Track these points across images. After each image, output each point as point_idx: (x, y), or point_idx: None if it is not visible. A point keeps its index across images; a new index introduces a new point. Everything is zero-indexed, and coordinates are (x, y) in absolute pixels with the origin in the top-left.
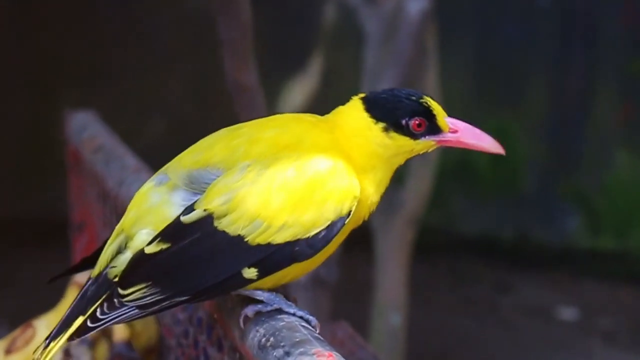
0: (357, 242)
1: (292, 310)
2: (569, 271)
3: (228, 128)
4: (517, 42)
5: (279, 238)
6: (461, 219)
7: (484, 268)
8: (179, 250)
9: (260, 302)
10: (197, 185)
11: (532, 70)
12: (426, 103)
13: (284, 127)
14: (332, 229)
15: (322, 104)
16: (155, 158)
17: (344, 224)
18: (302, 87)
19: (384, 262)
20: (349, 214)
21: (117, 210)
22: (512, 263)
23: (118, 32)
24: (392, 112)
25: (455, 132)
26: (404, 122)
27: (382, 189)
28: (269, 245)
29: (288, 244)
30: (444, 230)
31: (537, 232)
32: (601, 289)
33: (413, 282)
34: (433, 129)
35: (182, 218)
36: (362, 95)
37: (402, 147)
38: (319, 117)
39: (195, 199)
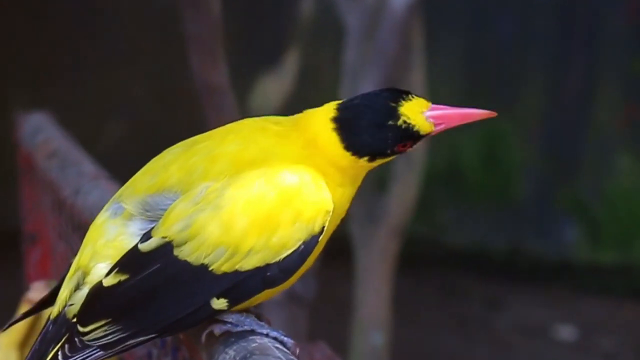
0: (336, 255)
1: (265, 331)
2: (567, 286)
3: (184, 143)
4: (511, 39)
5: (247, 264)
6: (450, 230)
7: (475, 283)
8: (138, 282)
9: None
10: (153, 213)
11: (528, 69)
12: (405, 123)
13: (248, 139)
14: (304, 249)
15: (298, 104)
16: (116, 164)
17: (318, 242)
18: (276, 86)
19: (365, 276)
20: (321, 231)
21: (74, 221)
22: (505, 277)
23: (74, 26)
24: (373, 148)
25: (440, 124)
26: (389, 151)
27: (358, 185)
28: (236, 272)
29: (258, 270)
30: (431, 241)
31: (532, 244)
32: (602, 305)
33: (397, 298)
34: (420, 138)
35: (140, 246)
36: (333, 116)
37: (391, 159)
38: (286, 121)
39: (152, 226)
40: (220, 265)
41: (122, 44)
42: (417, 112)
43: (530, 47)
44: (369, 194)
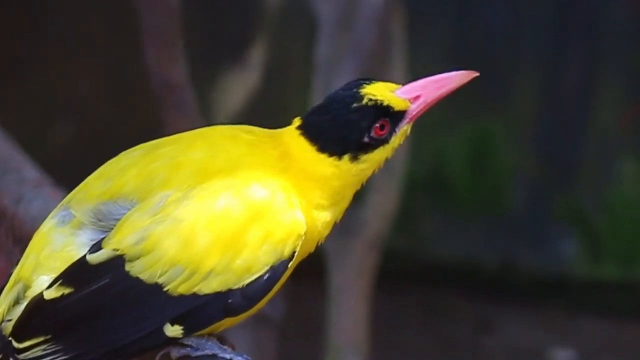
0: (308, 270)
1: (228, 356)
2: (565, 305)
3: (144, 146)
4: (502, 30)
5: (207, 288)
6: (434, 243)
7: (462, 301)
8: (84, 297)
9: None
10: (106, 222)
11: (520, 63)
12: (371, 100)
13: (217, 147)
14: (271, 275)
15: (265, 103)
16: (62, 169)
17: (287, 268)
18: (241, 83)
19: (339, 294)
20: (292, 256)
21: (15, 232)
22: (495, 296)
23: (15, 18)
24: (348, 138)
25: (417, 98)
26: (366, 139)
27: (345, 206)
28: (194, 296)
29: (218, 295)
30: (413, 255)
31: (526, 258)
32: (603, 326)
33: (375, 318)
34: (397, 117)
35: (88, 257)
36: (299, 124)
37: (382, 158)
38: (260, 132)
39: (104, 237)
40: (177, 286)
41: (69, 36)
42: (384, 90)
43: (522, 38)
44: None
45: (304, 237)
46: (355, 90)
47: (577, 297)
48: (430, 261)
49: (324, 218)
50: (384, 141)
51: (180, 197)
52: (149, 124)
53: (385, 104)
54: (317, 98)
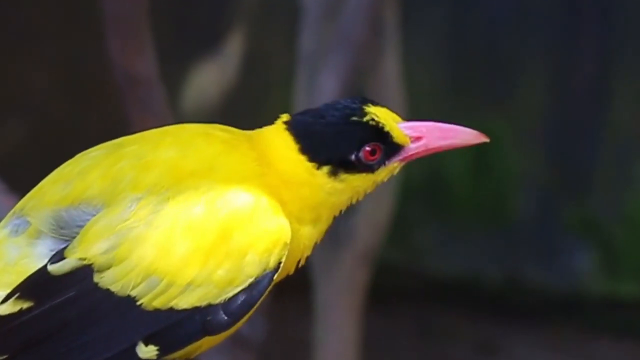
0: (292, 285)
1: None
2: (579, 327)
3: (106, 145)
4: (505, 18)
5: (185, 302)
6: (431, 256)
7: (463, 321)
8: (45, 312)
9: None
10: (69, 230)
11: (527, 55)
12: (373, 120)
13: (189, 145)
14: (256, 288)
15: (243, 99)
16: (13, 172)
17: (272, 281)
18: (216, 77)
19: (327, 312)
20: (277, 267)
21: None
22: (500, 315)
23: None
24: (335, 148)
25: (419, 139)
26: (353, 157)
27: (324, 227)
28: (171, 311)
29: (198, 310)
30: (409, 270)
31: (535, 274)
32: (621, 349)
33: (366, 339)
34: (391, 149)
35: (50, 268)
36: (286, 120)
37: (360, 186)
38: (237, 132)
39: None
40: (152, 299)
41: (21, 22)
42: (389, 117)
43: (529, 27)
44: None
45: (288, 246)
46: (359, 105)
47: (593, 317)
48: (428, 276)
49: (305, 231)
50: (369, 168)
51: (154, 201)
52: (112, 122)
53: (386, 129)
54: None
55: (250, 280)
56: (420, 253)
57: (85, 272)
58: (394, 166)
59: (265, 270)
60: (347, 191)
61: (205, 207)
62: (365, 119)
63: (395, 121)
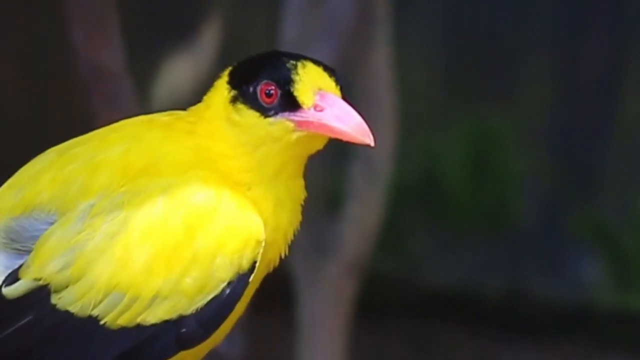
0: (272, 298)
1: None
2: (586, 340)
3: (58, 147)
4: (508, 6)
5: (153, 316)
6: (428, 266)
7: (461, 336)
8: (3, 340)
9: None
10: (22, 242)
11: (530, 47)
12: (292, 65)
13: (134, 138)
14: (231, 293)
15: None
16: None
17: (248, 283)
18: (189, 69)
19: (311, 327)
20: (252, 268)
21: None
22: (502, 330)
23: None
24: (244, 76)
25: (321, 110)
26: (251, 88)
27: (289, 207)
28: (139, 328)
29: (168, 324)
30: (402, 281)
31: (538, 284)
32: None
33: (355, 356)
34: (288, 102)
35: (4, 291)
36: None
37: (253, 128)
38: (182, 112)
39: (22, 261)
40: (116, 317)
41: None
42: (316, 79)
43: (533, 16)
44: (316, 216)
45: (263, 243)
46: (299, 57)
47: (602, 331)
48: (423, 288)
49: (271, 208)
50: (261, 109)
51: (107, 207)
52: (76, 119)
53: (294, 77)
54: None
55: (223, 285)
56: (414, 262)
57: (41, 293)
58: (287, 126)
59: (238, 272)
60: (243, 127)
61: (162, 209)
62: (286, 62)
63: (319, 85)
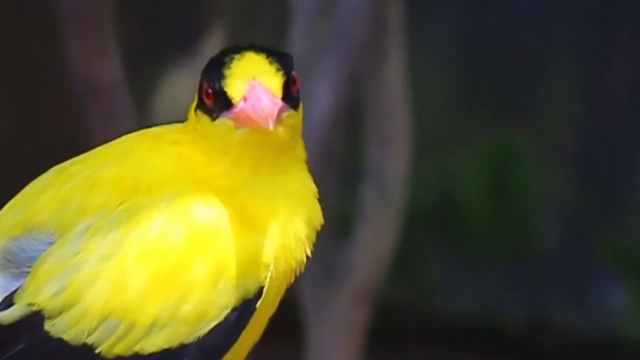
0: (280, 327)
1: None
2: None
3: (58, 166)
4: (529, 15)
5: (151, 345)
6: (444, 294)
7: None
8: None
9: None
10: (19, 264)
11: (554, 59)
12: (228, 60)
13: (126, 153)
14: (236, 320)
15: None
16: None
17: (254, 309)
18: (192, 84)
19: (319, 358)
20: (260, 293)
21: None
22: None
23: None
24: (202, 79)
25: (244, 100)
26: (200, 91)
27: (283, 201)
28: (136, 357)
29: (168, 353)
30: (417, 310)
31: (562, 313)
32: None
33: None
34: (222, 100)
35: None
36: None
37: (208, 133)
38: (180, 124)
39: (19, 284)
40: (112, 345)
41: None
42: (252, 66)
43: (556, 25)
44: (326, 241)
45: (272, 266)
46: (246, 49)
47: None
48: (438, 317)
49: (251, 200)
50: (208, 111)
51: (103, 227)
52: (69, 136)
53: (225, 73)
54: None
55: (226, 312)
56: (429, 290)
57: (35, 319)
58: (227, 124)
59: (243, 298)
60: (202, 133)
61: (159, 230)
62: (225, 59)
63: (254, 75)
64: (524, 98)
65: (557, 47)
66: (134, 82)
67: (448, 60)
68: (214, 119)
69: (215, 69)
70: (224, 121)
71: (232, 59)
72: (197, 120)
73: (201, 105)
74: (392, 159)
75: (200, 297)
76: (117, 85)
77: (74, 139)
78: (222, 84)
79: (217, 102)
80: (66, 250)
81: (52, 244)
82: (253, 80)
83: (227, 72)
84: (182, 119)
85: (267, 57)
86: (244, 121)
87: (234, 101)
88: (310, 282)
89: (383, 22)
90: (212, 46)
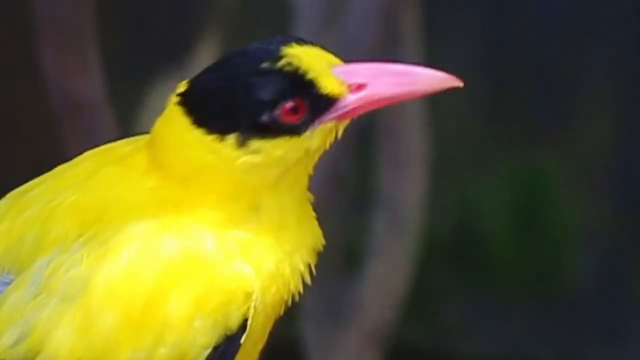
0: None
1: None
2: None
3: (15, 191)
4: (559, 23)
5: None
6: (464, 336)
7: None
8: None
9: None
10: None
11: (587, 73)
12: (290, 65)
13: (87, 175)
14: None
15: None
16: None
17: (239, 345)
18: None
19: None
20: (244, 326)
21: None
22: None
23: None
24: (240, 110)
25: (361, 88)
26: (266, 118)
27: (294, 235)
28: None
29: None
30: (434, 353)
31: (598, 358)
32: None
33: None
34: (321, 103)
35: None
36: (179, 92)
37: (287, 155)
38: (146, 138)
39: None
40: None
41: None
42: (318, 60)
43: (591, 35)
44: (332, 276)
45: (256, 294)
46: (276, 45)
47: None
48: None
49: (270, 244)
50: (291, 130)
51: (64, 263)
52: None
53: (308, 76)
54: None
55: (207, 351)
56: (448, 331)
57: None
58: (329, 126)
59: (225, 334)
60: (270, 164)
61: (126, 264)
62: (280, 65)
63: (328, 64)
64: (554, 117)
65: (591, 59)
66: (117, 99)
67: (469, 73)
68: (300, 134)
69: (292, 81)
70: (321, 127)
71: (292, 62)
72: (257, 153)
73: (270, 131)
74: (407, 184)
75: (176, 337)
76: (99, 102)
77: (49, 161)
78: (317, 89)
79: (310, 112)
80: (25, 292)
81: (8, 284)
82: (337, 68)
83: (308, 75)
84: None
85: (306, 44)
86: (377, 103)
87: (340, 97)
88: (314, 322)
89: (396, 31)
90: (204, 58)
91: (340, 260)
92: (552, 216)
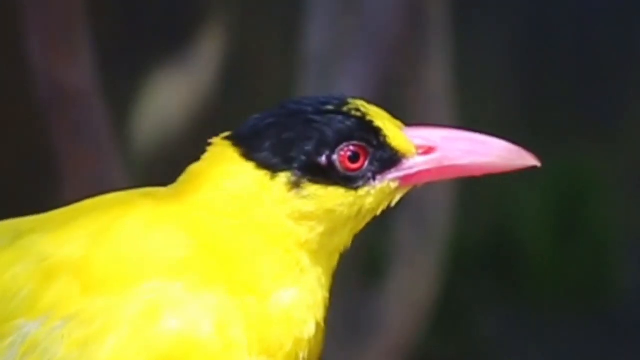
0: None
1: None
2: None
3: (9, 227)
4: (604, 12)
5: None
6: (497, 352)
7: None
8: None
9: None
10: None
11: (634, 66)
12: (358, 111)
13: (103, 232)
14: None
15: (221, 121)
16: None
17: None
18: (184, 92)
19: None
20: None
21: None
22: None
23: None
24: (297, 145)
25: (429, 151)
26: (324, 160)
27: (322, 294)
28: None
29: None
30: None
31: None
32: None
33: None
34: (385, 156)
35: None
36: (230, 133)
37: (337, 209)
38: (162, 191)
39: None
40: None
41: None
42: (384, 114)
43: (635, 26)
44: (353, 287)
45: None
46: (344, 97)
47: None
48: None
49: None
50: (348, 180)
51: (42, 341)
52: (31, 153)
53: (376, 124)
54: None
55: None
56: (479, 347)
57: None
58: (389, 187)
59: None
60: (320, 217)
61: (122, 341)
62: (345, 108)
63: (396, 123)
64: (596, 114)
65: (636, 53)
66: (111, 88)
67: (503, 66)
68: (356, 188)
69: (357, 127)
70: (381, 185)
71: (360, 108)
72: (307, 199)
73: (325, 177)
74: (434, 187)
75: None
76: (90, 92)
77: (36, 156)
78: (383, 139)
79: (370, 164)
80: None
81: None
82: (406, 129)
83: (375, 123)
84: (170, 132)
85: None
86: (446, 171)
87: (408, 155)
88: (332, 336)
89: (421, 14)
90: (208, 46)
91: (361, 270)
92: (595, 220)
